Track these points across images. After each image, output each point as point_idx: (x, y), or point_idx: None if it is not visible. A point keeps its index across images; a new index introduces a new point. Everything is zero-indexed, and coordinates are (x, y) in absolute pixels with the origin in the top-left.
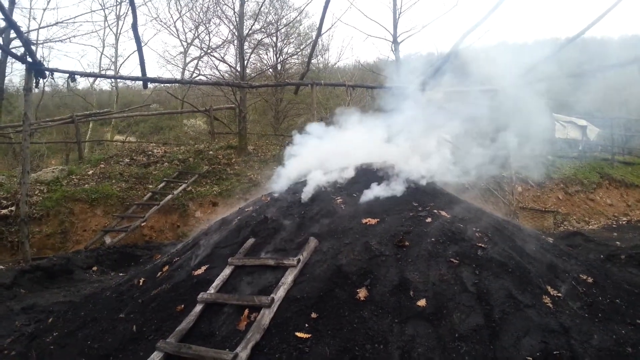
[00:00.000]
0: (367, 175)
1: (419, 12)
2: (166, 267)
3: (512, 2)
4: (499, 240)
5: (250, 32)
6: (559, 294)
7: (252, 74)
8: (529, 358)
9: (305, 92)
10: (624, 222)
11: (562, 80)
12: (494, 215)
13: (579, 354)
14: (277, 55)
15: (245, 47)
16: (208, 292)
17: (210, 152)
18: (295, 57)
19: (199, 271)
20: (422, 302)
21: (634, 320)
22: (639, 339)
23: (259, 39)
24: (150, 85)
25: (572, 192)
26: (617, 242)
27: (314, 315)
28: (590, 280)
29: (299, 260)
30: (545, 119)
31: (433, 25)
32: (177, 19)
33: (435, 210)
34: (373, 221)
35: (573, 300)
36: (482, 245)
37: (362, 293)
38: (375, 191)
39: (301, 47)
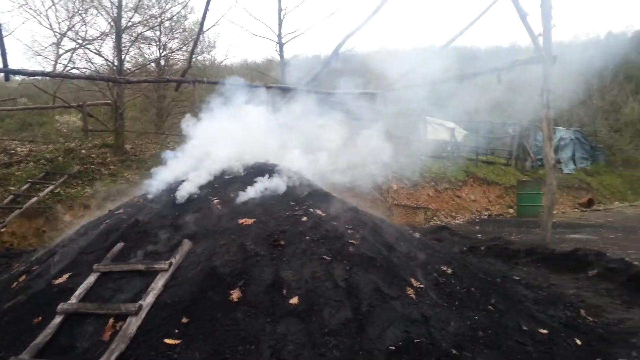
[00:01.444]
0: (246, 175)
1: (304, 14)
2: (23, 277)
3: (392, 10)
4: (370, 237)
5: (130, 24)
6: (422, 286)
7: (133, 69)
8: (392, 347)
9: (189, 89)
10: (485, 217)
11: (435, 85)
12: (367, 212)
13: (437, 340)
14: (161, 50)
15: (124, 40)
16: (69, 301)
17: (83, 151)
18: (179, 52)
19: (61, 280)
20: (294, 300)
21: (486, 306)
22: (489, 323)
23: (140, 32)
24: (17, 77)
25: (442, 190)
26: (479, 235)
27: (185, 320)
28: (449, 271)
29: (170, 264)
30: (418, 121)
31: (319, 28)
32: (49, 7)
33: (311, 209)
34: (250, 221)
35: (434, 290)
36: (354, 242)
37: (235, 294)
38: (253, 191)
39: (186, 43)
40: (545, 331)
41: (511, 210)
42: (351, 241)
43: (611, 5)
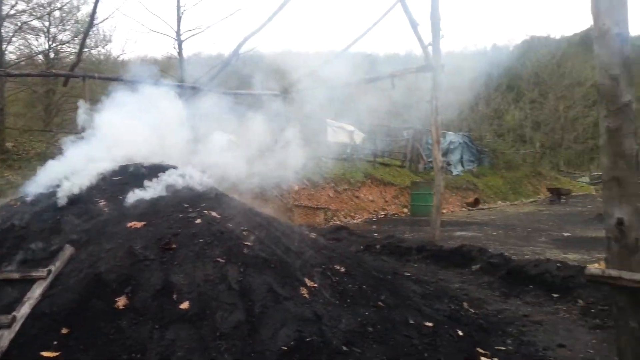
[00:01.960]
0: (136, 175)
1: (205, 12)
2: None
3: (295, 13)
4: (265, 238)
5: (14, 12)
6: (315, 285)
7: (18, 60)
8: (284, 348)
9: (81, 84)
10: (382, 216)
11: (335, 88)
12: (263, 214)
13: (328, 338)
14: (50, 42)
15: (7, 29)
16: None
17: None
18: (71, 45)
19: None
20: (185, 305)
21: (376, 302)
22: (379, 318)
23: (25, 20)
24: None
25: (341, 190)
26: (375, 234)
27: (65, 330)
28: (343, 270)
29: (49, 271)
30: (319, 123)
31: (222, 27)
32: None
33: (205, 211)
34: (139, 224)
35: (327, 289)
36: (248, 244)
37: (121, 301)
38: (145, 193)
39: (77, 35)
40: (430, 324)
41: (405, 210)
42: (246, 243)
43: (496, 19)
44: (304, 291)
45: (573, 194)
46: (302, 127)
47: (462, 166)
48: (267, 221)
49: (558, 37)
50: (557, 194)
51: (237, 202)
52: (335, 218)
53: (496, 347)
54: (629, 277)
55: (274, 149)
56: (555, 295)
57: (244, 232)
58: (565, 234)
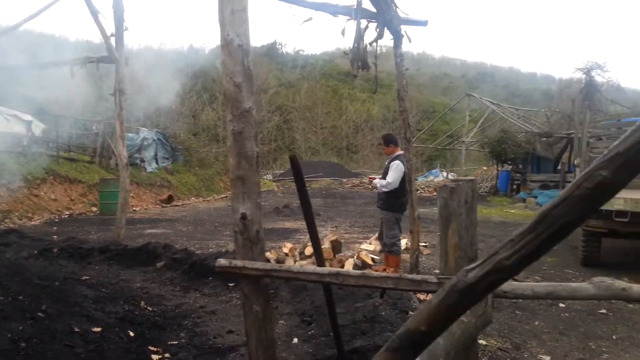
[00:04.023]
0: None
1: None
2: None
3: None
4: None
5: None
6: None
7: None
8: None
9: None
10: (66, 216)
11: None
12: None
13: None
14: None
15: None
16: None
17: None
18: None
19: None
20: None
21: (35, 313)
22: (36, 331)
23: None
24: None
25: (15, 189)
26: (55, 236)
27: None
28: None
29: None
30: None
31: None
32: None
33: None
34: None
35: None
36: None
37: None
38: None
39: None
40: (98, 329)
41: (94, 209)
42: None
43: (194, 20)
44: None
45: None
46: None
47: (157, 163)
48: None
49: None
50: None
51: None
52: (7, 220)
53: (169, 343)
54: (251, 266)
55: None
56: (230, 284)
57: None
58: None
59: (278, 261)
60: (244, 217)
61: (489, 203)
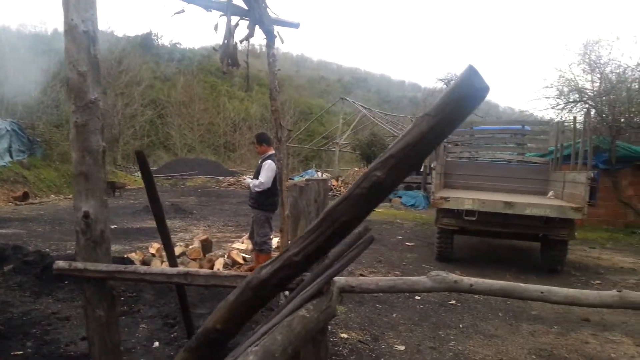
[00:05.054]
0: None
1: None
2: None
3: None
4: None
5: None
6: None
7: None
8: None
9: None
10: None
11: None
12: None
13: None
14: None
15: None
16: None
17: None
18: None
19: None
20: None
21: None
22: None
23: None
24: None
25: None
26: None
27: None
28: None
29: None
30: None
31: None
32: None
33: None
34: None
35: None
36: None
37: None
38: None
39: None
40: None
41: None
42: None
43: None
44: None
45: (128, 187)
46: None
47: (11, 156)
48: None
49: (120, 34)
50: (112, 188)
51: None
52: None
53: (12, 353)
54: (94, 269)
55: None
56: None
57: None
58: (113, 226)
59: (144, 262)
60: (86, 215)
61: None
